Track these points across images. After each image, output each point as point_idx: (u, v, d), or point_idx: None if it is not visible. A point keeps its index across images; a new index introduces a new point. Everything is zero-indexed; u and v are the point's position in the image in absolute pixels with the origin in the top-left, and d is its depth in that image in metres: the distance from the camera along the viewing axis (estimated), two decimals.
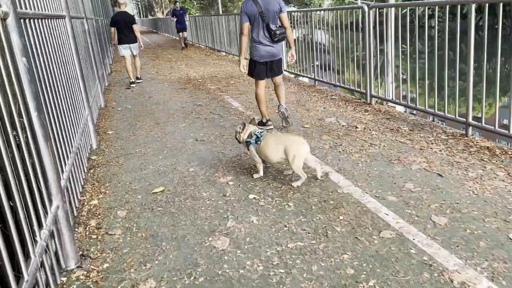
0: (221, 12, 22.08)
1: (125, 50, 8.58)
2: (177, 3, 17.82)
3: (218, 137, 4.73)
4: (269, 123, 4.90)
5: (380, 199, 2.91)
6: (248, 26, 4.57)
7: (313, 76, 7.42)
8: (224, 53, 13.93)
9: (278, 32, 4.52)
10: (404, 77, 5.11)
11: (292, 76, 8.70)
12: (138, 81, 8.94)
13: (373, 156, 3.74)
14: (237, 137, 3.54)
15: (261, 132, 3.38)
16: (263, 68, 4.71)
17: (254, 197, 3.10)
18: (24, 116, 2.06)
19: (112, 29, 8.45)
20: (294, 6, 37.23)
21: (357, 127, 4.61)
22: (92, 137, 4.68)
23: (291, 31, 4.79)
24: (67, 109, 3.51)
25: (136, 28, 8.58)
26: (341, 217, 2.69)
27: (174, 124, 5.43)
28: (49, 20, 3.39)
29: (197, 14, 35.30)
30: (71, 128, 3.51)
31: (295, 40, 6.97)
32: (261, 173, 3.46)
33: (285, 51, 7.52)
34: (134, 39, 8.57)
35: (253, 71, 4.76)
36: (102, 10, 14.70)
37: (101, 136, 5.12)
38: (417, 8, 4.73)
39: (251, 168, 3.69)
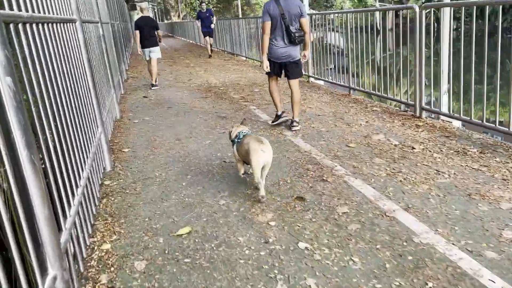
0: (240, 15, 21.49)
1: (147, 53, 8.91)
2: (203, 3, 14.97)
3: None
4: (284, 114, 5.03)
5: (475, 255, 2.23)
6: (270, 25, 4.67)
7: (347, 84, 6.74)
8: (244, 58, 13.34)
9: (297, 34, 4.66)
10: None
11: (313, 80, 8.05)
12: (154, 87, 8.88)
13: (445, 189, 3.05)
14: (229, 136, 3.58)
15: (244, 133, 3.39)
16: (277, 67, 4.88)
17: (306, 247, 2.45)
18: (6, 161, 1.45)
19: (136, 32, 8.73)
20: (313, 9, 36.60)
21: (413, 148, 3.93)
22: (106, 158, 4.09)
23: (309, 35, 4.91)
24: (76, 130, 2.92)
25: (160, 33, 9.13)
26: (429, 284, 2.02)
27: (197, 140, 4.82)
28: (54, 25, 2.81)
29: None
30: (81, 155, 2.91)
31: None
32: (241, 172, 3.44)
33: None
34: (155, 43, 8.93)
35: (269, 68, 4.91)
36: (119, 14, 14.29)
37: (116, 155, 4.54)
38: (474, 8, 3.96)
39: (296, 202, 3.04)
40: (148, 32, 8.69)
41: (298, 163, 3.82)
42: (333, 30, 7.09)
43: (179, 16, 55.72)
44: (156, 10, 74.42)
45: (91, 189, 3.11)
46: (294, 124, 4.86)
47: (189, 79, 9.91)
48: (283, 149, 4.24)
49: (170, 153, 4.44)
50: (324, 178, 3.41)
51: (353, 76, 6.64)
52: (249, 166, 3.25)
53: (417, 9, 4.64)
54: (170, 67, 12.78)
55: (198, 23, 15.14)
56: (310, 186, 3.28)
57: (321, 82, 7.94)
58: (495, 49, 3.73)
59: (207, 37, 14.71)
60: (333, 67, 7.69)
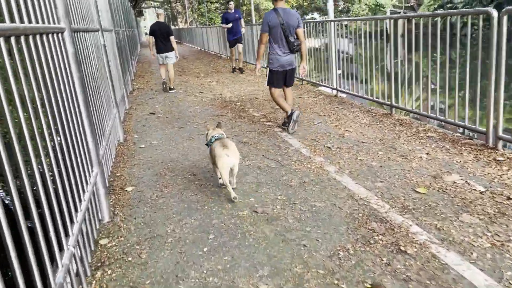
0: (254, 22, 20.66)
1: (162, 58, 9.11)
2: (231, 2, 11.65)
3: (288, 206, 3.16)
4: (293, 110, 5.14)
5: None
6: (267, 36, 4.94)
7: (388, 102, 5.76)
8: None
9: (295, 44, 4.91)
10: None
11: (343, 95, 7.11)
12: (171, 91, 9.12)
13: None
14: (206, 139, 3.72)
15: (216, 137, 3.53)
16: (281, 77, 5.11)
17: None
18: None
19: (150, 37, 8.92)
20: (318, 16, 35.68)
21: (510, 198, 2.96)
22: (103, 206, 3.17)
23: (305, 45, 5.18)
24: (62, 184, 2.01)
25: (173, 39, 9.10)
26: None
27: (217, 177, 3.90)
28: (25, 37, 1.90)
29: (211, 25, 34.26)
30: (67, 218, 1.99)
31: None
32: (219, 174, 3.54)
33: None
34: (170, 48, 9.06)
35: (273, 80, 5.12)
36: (125, 21, 13.48)
37: (116, 196, 3.62)
38: None
39: None
40: (162, 37, 8.85)
41: (356, 218, 2.88)
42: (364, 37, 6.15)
43: (186, 22, 55.16)
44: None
45: (82, 257, 2.19)
46: (296, 115, 5.10)
47: (200, 91, 9.01)
48: (330, 194, 3.30)
49: (185, 195, 3.51)
50: (402, 247, 2.46)
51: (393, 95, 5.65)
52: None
53: (495, 14, 3.69)
54: (179, 77, 11.89)
55: (227, 26, 11.46)
56: (385, 263, 2.33)
57: (342, 95, 7.01)
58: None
59: (237, 45, 11.51)
60: (340, 72, 7.31)
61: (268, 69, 5.17)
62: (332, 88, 7.58)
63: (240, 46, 11.53)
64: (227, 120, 6.14)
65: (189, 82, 10.67)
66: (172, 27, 64.37)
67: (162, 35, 8.86)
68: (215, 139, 3.50)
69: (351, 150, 4.30)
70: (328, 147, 4.43)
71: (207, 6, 33.72)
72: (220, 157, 3.25)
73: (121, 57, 8.43)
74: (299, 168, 3.92)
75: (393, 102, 5.60)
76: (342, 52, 7.14)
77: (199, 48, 23.76)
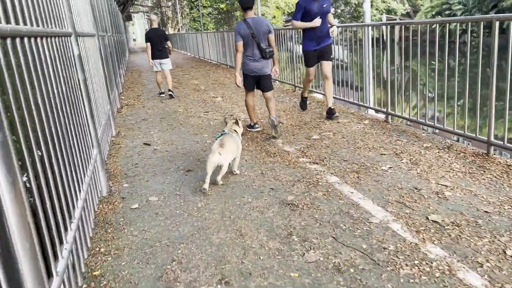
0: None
1: (157, 65, 8.93)
2: None
3: None
4: (257, 126, 5.58)
5: None
6: (242, 44, 5.16)
7: (385, 110, 4.22)
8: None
9: (267, 50, 5.14)
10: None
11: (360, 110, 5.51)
12: (169, 92, 8.92)
13: None
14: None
15: (223, 132, 3.87)
16: (252, 81, 5.35)
17: None
18: None
19: (147, 44, 8.77)
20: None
21: None
22: None
23: (276, 50, 5.37)
24: None
25: (169, 44, 9.05)
26: None
27: (253, 260, 2.24)
28: None
29: (213, 30, 32.57)
30: None
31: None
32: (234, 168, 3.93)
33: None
34: (166, 54, 8.92)
35: (245, 83, 5.38)
36: (112, 25, 11.79)
37: None
38: None
39: None
40: (159, 44, 8.72)
41: None
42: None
43: (175, 27, 53.47)
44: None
45: None
46: (272, 119, 5.13)
47: (205, 110, 7.33)
48: None
49: None
50: None
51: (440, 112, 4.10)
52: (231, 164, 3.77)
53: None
54: (176, 90, 10.18)
55: (310, 25, 5.71)
56: None
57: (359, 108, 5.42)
58: None
59: (322, 63, 5.94)
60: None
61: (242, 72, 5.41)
62: (375, 110, 5.98)
63: (327, 65, 5.91)
64: (251, 158, 4.47)
65: (188, 97, 8.97)
66: None
67: (159, 42, 8.73)
68: (221, 134, 3.80)
69: (482, 232, 2.64)
70: (436, 223, 2.78)
71: (199, 11, 32.08)
72: (213, 153, 3.53)
73: (107, 69, 6.73)
74: (412, 275, 2.26)
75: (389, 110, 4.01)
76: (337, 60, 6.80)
77: (193, 55, 22.07)
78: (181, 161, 4.58)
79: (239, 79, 5.33)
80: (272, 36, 5.21)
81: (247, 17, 5.18)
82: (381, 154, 4.19)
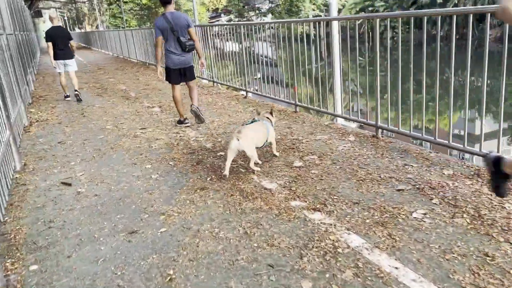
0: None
1: (61, 66, 8.28)
2: None
3: None
4: (186, 121, 5.64)
5: None
6: (162, 39, 5.23)
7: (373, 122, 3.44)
8: (208, 82, 9.47)
9: (187, 43, 5.22)
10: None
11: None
12: (76, 93, 8.29)
13: None
14: None
15: (252, 120, 3.88)
16: (177, 74, 5.40)
17: None
18: None
19: (49, 44, 8.04)
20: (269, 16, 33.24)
21: None
22: None
23: (199, 43, 5.56)
24: None
25: (73, 43, 8.42)
26: None
27: None
28: None
29: (135, 27, 30.28)
30: None
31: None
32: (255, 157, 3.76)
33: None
34: (70, 55, 8.30)
35: (170, 77, 5.43)
36: (15, 22, 9.85)
37: None
38: None
39: None
40: (61, 43, 8.07)
41: None
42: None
43: (92, 25, 49.63)
44: (66, 19, 66.90)
45: None
46: (194, 109, 5.52)
47: (142, 126, 5.85)
48: None
49: None
50: None
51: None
52: (260, 147, 3.83)
53: None
54: (100, 98, 8.49)
55: None
56: None
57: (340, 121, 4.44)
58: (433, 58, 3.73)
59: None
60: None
61: (165, 67, 5.47)
62: (334, 115, 4.99)
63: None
64: (222, 204, 3.19)
65: (117, 108, 7.37)
66: (78, 30, 57.83)
67: (62, 41, 8.05)
68: (252, 121, 3.85)
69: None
70: None
71: (120, 7, 29.50)
72: (232, 138, 3.54)
73: (5, 78, 5.04)
74: None
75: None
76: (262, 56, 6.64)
77: (116, 55, 19.93)
78: (118, 213, 3.18)
79: (160, 70, 5.48)
80: (192, 30, 5.33)
81: (166, 12, 5.25)
82: (398, 190, 3.13)
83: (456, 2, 33.22)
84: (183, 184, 3.63)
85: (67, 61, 8.23)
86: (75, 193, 3.67)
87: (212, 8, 49.91)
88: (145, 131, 5.57)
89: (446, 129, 4.22)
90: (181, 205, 3.23)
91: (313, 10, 30.91)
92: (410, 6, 37.42)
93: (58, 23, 8.25)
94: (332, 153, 4.09)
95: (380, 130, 4.46)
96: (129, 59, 16.98)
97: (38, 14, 32.19)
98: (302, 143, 4.48)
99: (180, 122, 5.69)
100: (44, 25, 72.76)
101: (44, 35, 8.10)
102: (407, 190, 3.12)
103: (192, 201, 3.27)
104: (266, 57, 6.78)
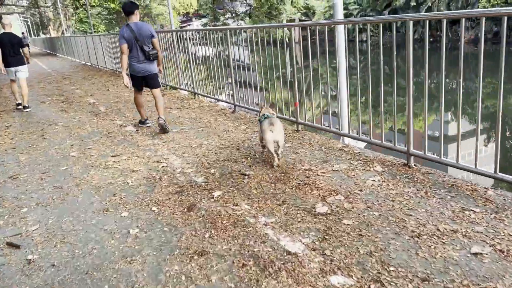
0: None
1: (12, 73, 7.94)
2: None
3: None
4: (147, 121, 5.96)
5: None
6: (126, 47, 5.37)
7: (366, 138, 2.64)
8: (184, 92, 8.50)
9: (151, 52, 5.44)
10: None
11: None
12: (26, 110, 7.99)
13: None
14: (258, 116, 4.20)
15: (267, 115, 3.94)
16: (139, 81, 5.64)
17: None
18: None
19: None
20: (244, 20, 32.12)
21: None
22: None
23: (161, 52, 5.80)
24: None
25: (26, 50, 8.32)
26: None
27: None
28: None
29: (104, 33, 28.88)
30: None
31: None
32: (261, 147, 4.21)
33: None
34: (21, 61, 8.01)
35: (133, 83, 5.64)
36: None
37: None
38: None
39: None
40: (12, 50, 7.84)
41: None
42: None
43: (58, 30, 47.45)
44: (30, 23, 64.11)
45: None
46: (160, 122, 5.50)
47: (114, 153, 4.85)
48: None
49: None
50: None
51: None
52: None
53: None
54: (64, 115, 7.38)
55: None
56: None
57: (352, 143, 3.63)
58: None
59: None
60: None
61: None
62: (353, 138, 4.16)
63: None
64: (233, 281, 2.29)
65: (84, 127, 6.31)
66: (43, 36, 55.27)
67: (11, 47, 7.78)
68: (265, 118, 3.90)
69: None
70: None
71: (87, 11, 27.94)
72: (265, 132, 3.74)
73: None
74: None
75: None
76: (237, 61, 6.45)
77: (83, 62, 18.61)
78: None
79: (127, 79, 5.55)
80: (155, 40, 5.54)
81: (130, 22, 5.43)
82: (474, 255, 2.30)
83: (430, 4, 33.34)
84: (173, 245, 2.70)
85: (19, 67, 7.95)
86: (25, 261, 2.68)
87: (182, 12, 48.77)
88: (118, 160, 4.58)
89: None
90: (174, 284, 2.30)
91: (295, 14, 30.05)
92: (384, 9, 37.44)
93: (10, 29, 8.02)
94: (361, 190, 3.24)
95: (412, 158, 3.64)
96: (97, 66, 15.75)
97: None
98: (318, 175, 3.61)
99: (141, 122, 5.97)
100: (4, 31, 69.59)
101: None
102: (486, 254, 2.29)
103: (189, 277, 2.34)
104: (242, 62, 6.24)
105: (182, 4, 46.50)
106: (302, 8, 30.45)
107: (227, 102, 6.82)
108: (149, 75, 5.60)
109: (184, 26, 50.41)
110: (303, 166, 3.86)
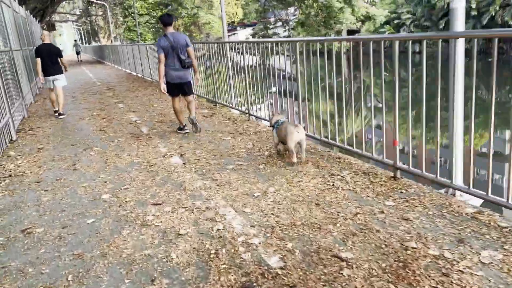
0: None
1: (50, 81, 8.25)
2: None
3: None
4: (186, 128, 6.21)
5: None
6: (163, 56, 5.72)
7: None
8: (240, 113, 7.42)
9: (186, 61, 5.77)
10: None
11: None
12: (61, 116, 8.21)
13: None
14: (270, 124, 4.78)
15: (282, 121, 4.50)
16: (175, 88, 5.95)
17: None
18: None
19: (37, 60, 8.03)
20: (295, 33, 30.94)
21: None
22: None
23: (196, 61, 6.20)
24: None
25: (64, 61, 8.53)
26: None
27: None
28: None
29: (151, 41, 28.70)
30: None
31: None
32: (281, 149, 4.64)
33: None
34: (59, 70, 8.34)
35: (169, 90, 5.95)
36: (18, 37, 8.49)
37: None
38: None
39: None
40: (50, 60, 8.12)
41: None
42: None
43: (108, 38, 48.46)
44: (82, 32, 66.31)
45: None
46: (191, 117, 6.02)
47: (156, 199, 3.78)
48: None
49: None
50: None
51: None
52: (285, 145, 4.40)
53: None
54: (102, 136, 6.45)
55: None
56: None
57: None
58: None
59: None
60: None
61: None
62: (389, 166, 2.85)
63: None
64: None
65: (122, 156, 5.32)
66: (94, 43, 56.75)
67: (50, 57, 8.13)
68: (281, 122, 4.45)
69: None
70: None
71: (135, 19, 27.85)
72: (291, 133, 4.18)
73: None
74: None
75: None
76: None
77: (129, 72, 18.13)
78: None
79: (163, 86, 5.84)
80: (190, 49, 5.87)
81: (167, 32, 5.77)
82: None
83: (493, 14, 30.70)
84: None
85: (56, 76, 8.25)
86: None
87: (229, 22, 48.46)
88: (160, 211, 3.49)
89: None
90: None
91: (354, 23, 28.33)
92: (440, 19, 35.12)
93: (49, 40, 8.40)
94: None
95: None
96: (143, 77, 15.10)
97: (50, 27, 30.84)
98: (462, 272, 2.33)
99: (180, 129, 6.27)
100: (61, 38, 72.20)
101: (34, 52, 8.17)
102: None
103: None
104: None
105: (227, 14, 46.19)
106: (362, 17, 28.72)
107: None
108: (184, 82, 5.95)
109: (229, 36, 50.07)
110: (428, 249, 2.59)
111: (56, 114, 8.32)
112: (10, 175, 4.84)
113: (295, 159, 4.25)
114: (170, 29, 5.79)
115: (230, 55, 7.91)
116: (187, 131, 6.15)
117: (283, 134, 4.31)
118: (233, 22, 49.72)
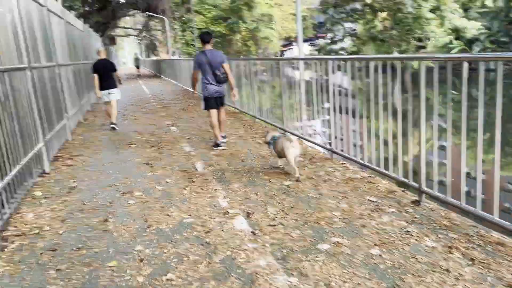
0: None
1: (105, 96, 8.59)
2: None
3: None
4: (222, 144, 6.29)
5: None
6: (198, 72, 6.28)
7: None
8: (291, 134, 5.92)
9: (222, 76, 6.15)
10: None
11: None
12: (112, 125, 8.46)
13: None
14: (264, 140, 5.06)
15: (277, 136, 4.80)
16: (213, 102, 6.29)
17: None
18: None
19: (94, 75, 8.42)
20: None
21: None
22: None
23: (231, 76, 6.40)
24: None
25: (118, 74, 8.94)
26: None
27: None
28: None
29: None
30: None
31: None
32: (279, 163, 4.84)
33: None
34: (114, 84, 8.66)
35: (207, 105, 6.31)
36: (75, 51, 7.67)
37: None
38: None
39: None
40: (106, 75, 8.48)
41: None
42: None
43: (167, 52, 48.97)
44: (142, 46, 68.16)
45: None
46: (224, 136, 6.50)
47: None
48: None
49: None
50: None
51: None
52: (283, 158, 4.61)
53: None
54: (147, 172, 5.14)
55: None
56: None
57: None
58: None
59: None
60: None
61: (203, 97, 6.34)
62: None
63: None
64: None
65: (169, 209, 3.95)
66: (154, 57, 57.83)
67: (105, 72, 8.43)
68: (277, 137, 4.74)
69: None
70: None
71: (193, 33, 27.38)
72: (288, 148, 4.40)
73: None
74: None
75: None
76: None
77: (185, 88, 17.24)
78: None
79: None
80: (226, 65, 6.19)
81: (205, 49, 6.14)
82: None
83: None
84: None
85: (111, 90, 8.55)
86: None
87: (285, 36, 47.40)
88: None
89: None
90: None
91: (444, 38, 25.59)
92: None
93: (104, 56, 8.70)
94: None
95: None
96: (199, 95, 14.03)
97: (111, 41, 31.22)
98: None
99: (216, 145, 6.27)
100: (122, 52, 74.66)
101: (92, 68, 8.49)
102: None
103: None
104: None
105: (284, 29, 45.08)
106: (450, 30, 26.05)
107: (397, 180, 4.02)
108: (220, 97, 6.31)
109: (285, 51, 48.93)
110: None
111: (111, 126, 8.49)
112: (22, 234, 3.62)
113: (297, 174, 4.43)
114: (208, 47, 6.16)
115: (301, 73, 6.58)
116: (224, 146, 6.27)
117: (279, 148, 4.58)
118: (288, 37, 48.60)
